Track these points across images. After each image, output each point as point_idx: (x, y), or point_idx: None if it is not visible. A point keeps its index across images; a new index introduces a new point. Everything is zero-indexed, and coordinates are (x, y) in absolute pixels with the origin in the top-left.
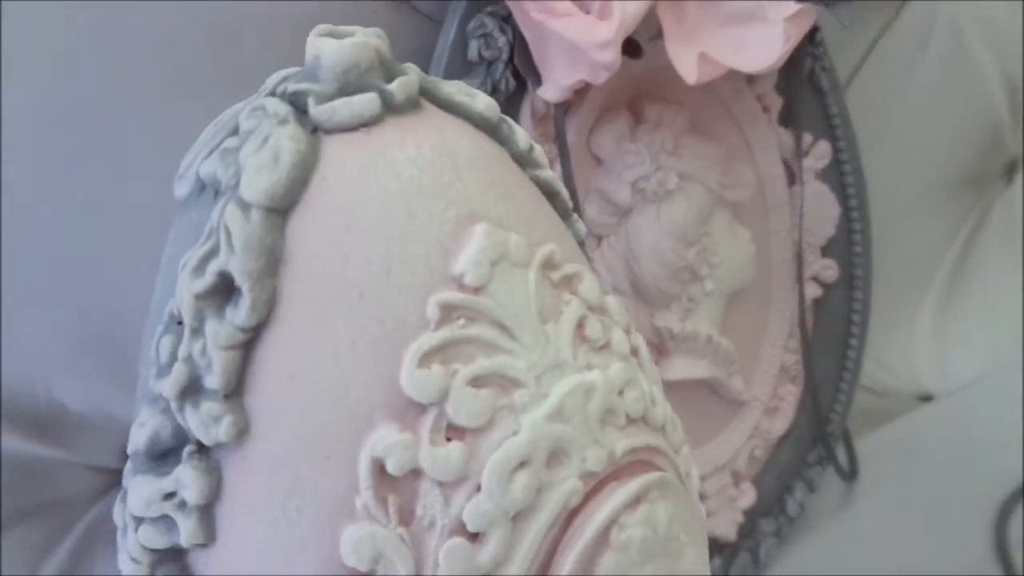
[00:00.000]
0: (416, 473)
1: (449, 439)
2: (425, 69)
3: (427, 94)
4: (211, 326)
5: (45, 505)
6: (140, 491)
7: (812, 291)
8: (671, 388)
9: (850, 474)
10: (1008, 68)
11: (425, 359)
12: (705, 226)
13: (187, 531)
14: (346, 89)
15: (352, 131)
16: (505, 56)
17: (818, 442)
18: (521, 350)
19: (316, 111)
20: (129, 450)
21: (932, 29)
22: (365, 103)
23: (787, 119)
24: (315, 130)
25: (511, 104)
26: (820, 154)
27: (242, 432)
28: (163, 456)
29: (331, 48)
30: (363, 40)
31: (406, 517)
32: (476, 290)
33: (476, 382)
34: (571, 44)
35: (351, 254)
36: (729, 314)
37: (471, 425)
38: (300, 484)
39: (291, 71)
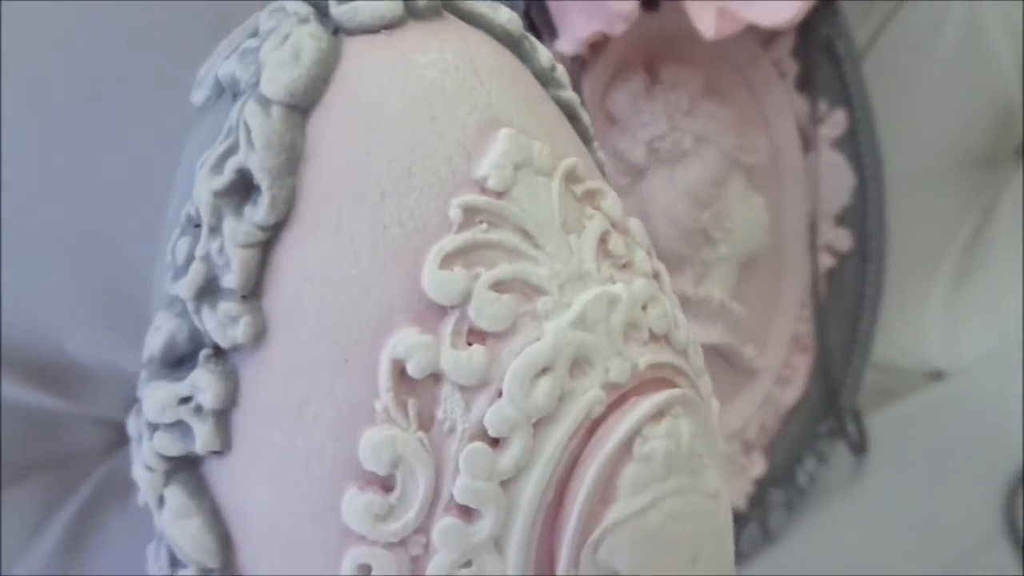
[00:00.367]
0: (436, 377)
1: (470, 344)
2: None
3: (449, 6)
4: (229, 224)
5: (53, 459)
6: (155, 396)
7: (825, 261)
8: None
9: (860, 448)
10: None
11: (447, 261)
12: (720, 190)
13: (203, 437)
14: None
15: (374, 33)
16: (521, 8)
17: (829, 414)
18: (544, 258)
19: (337, 11)
20: (144, 357)
21: (949, 5)
22: (387, 5)
23: (803, 86)
24: (336, 31)
25: None
26: (836, 122)
27: (259, 334)
28: (178, 363)
29: None
30: None
31: (426, 422)
32: (499, 194)
33: (498, 287)
34: None
35: (372, 153)
36: (742, 282)
37: (493, 329)
38: (318, 389)
39: None
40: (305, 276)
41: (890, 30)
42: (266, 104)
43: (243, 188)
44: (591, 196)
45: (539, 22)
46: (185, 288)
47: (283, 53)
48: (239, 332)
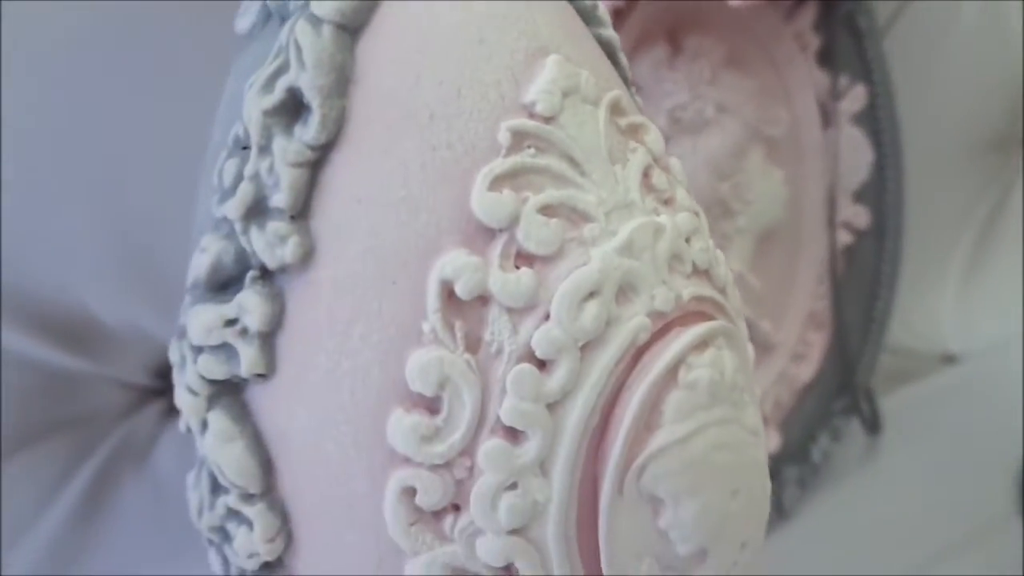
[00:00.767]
0: (484, 299)
1: (518, 267)
2: None
3: None
4: (279, 143)
5: (72, 419)
6: (201, 319)
7: (843, 238)
8: None
9: (873, 426)
10: None
11: (496, 183)
12: (740, 161)
13: (248, 359)
14: None
15: None
16: None
17: (844, 391)
18: (591, 185)
19: None
20: (189, 281)
21: None
22: None
23: (824, 60)
24: None
25: None
26: (856, 97)
27: (307, 254)
28: (224, 285)
29: None
30: None
31: (473, 344)
32: (547, 120)
33: (546, 211)
34: None
35: (422, 75)
36: (759, 256)
37: (541, 252)
38: (364, 310)
39: None
40: (353, 197)
41: (910, 9)
42: (317, 23)
43: (293, 108)
44: (635, 130)
45: None
46: (233, 208)
47: None
48: (287, 252)
